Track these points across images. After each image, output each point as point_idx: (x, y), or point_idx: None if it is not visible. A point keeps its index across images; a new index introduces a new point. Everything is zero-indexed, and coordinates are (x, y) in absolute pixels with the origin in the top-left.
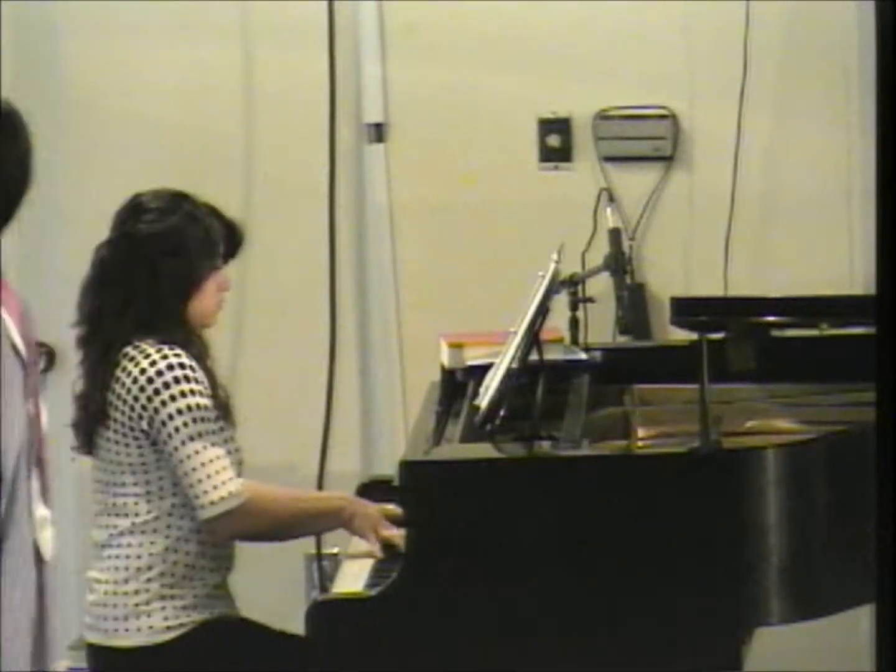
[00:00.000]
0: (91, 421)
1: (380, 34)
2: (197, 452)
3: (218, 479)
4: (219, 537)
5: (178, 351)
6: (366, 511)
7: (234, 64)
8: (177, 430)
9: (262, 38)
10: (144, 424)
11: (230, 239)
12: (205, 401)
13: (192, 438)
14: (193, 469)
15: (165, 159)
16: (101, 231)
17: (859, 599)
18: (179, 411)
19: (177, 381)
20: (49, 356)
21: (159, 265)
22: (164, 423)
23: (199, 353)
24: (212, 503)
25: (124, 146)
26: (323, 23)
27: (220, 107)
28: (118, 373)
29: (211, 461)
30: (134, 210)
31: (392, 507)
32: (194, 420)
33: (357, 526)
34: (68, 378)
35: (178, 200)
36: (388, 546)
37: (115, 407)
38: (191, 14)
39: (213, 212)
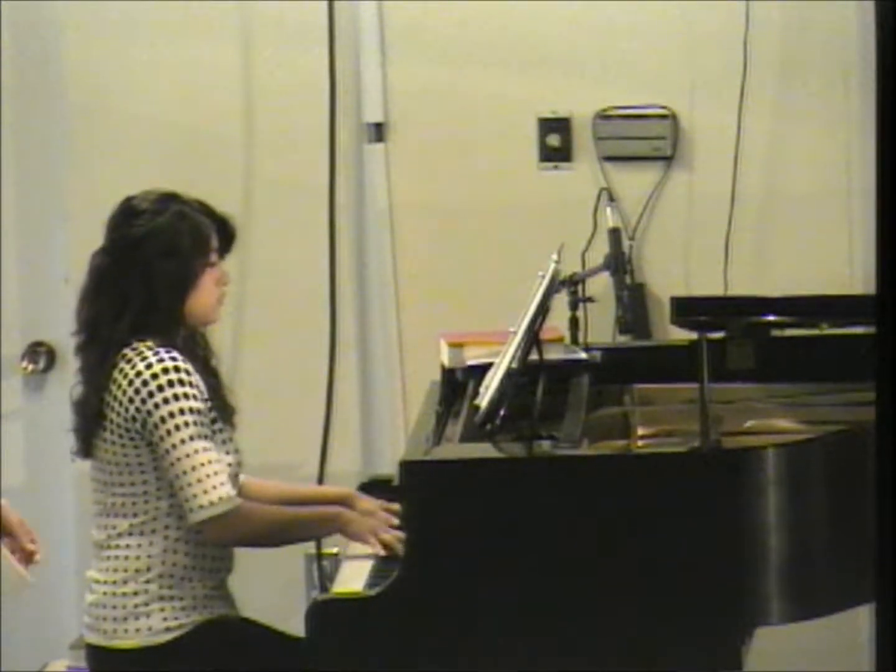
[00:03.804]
0: (89, 425)
1: (380, 34)
2: (188, 456)
3: (208, 483)
4: (208, 542)
5: (175, 354)
6: (362, 516)
7: (234, 64)
8: (169, 433)
9: (262, 38)
10: (139, 426)
11: (223, 234)
12: (198, 404)
13: (183, 442)
14: (184, 472)
15: (165, 159)
16: (102, 231)
17: (859, 599)
18: (172, 414)
19: (171, 384)
20: (49, 356)
21: (152, 267)
22: (156, 426)
23: (202, 352)
24: (201, 507)
25: (124, 146)
26: (323, 23)
27: (220, 107)
28: (115, 374)
29: (202, 465)
30: (125, 214)
31: (395, 505)
32: (186, 424)
33: (353, 531)
34: (68, 378)
35: (166, 200)
36: (387, 549)
37: (112, 408)
38: (191, 14)
39: (204, 208)
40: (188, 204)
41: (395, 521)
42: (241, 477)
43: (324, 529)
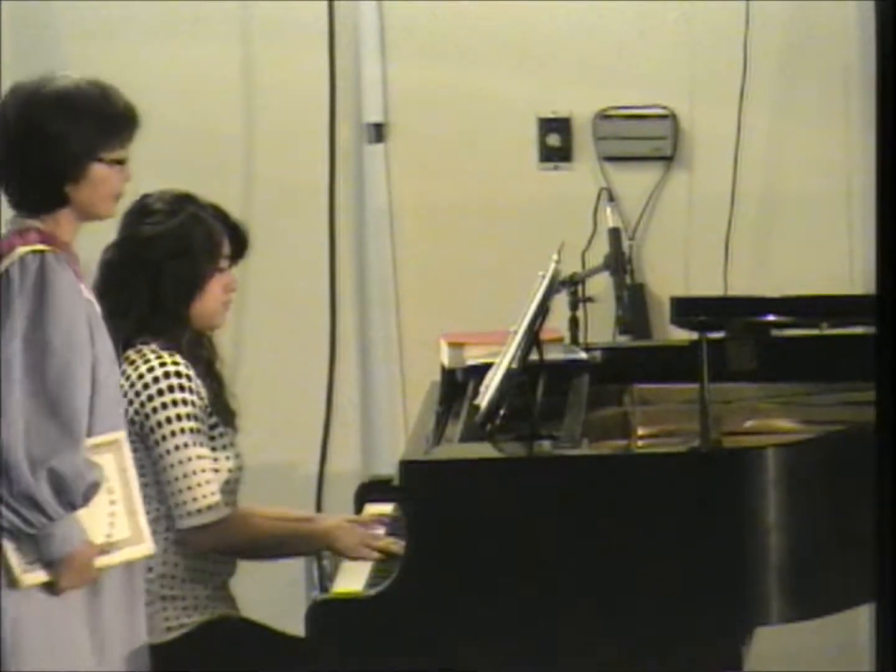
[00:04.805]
0: None
1: (380, 34)
2: (181, 462)
3: (199, 491)
4: (193, 549)
5: (177, 357)
6: (351, 531)
7: (234, 64)
8: (164, 437)
9: (262, 38)
10: (137, 429)
11: (235, 240)
12: (196, 411)
13: (178, 448)
14: (176, 478)
15: (165, 159)
16: (102, 230)
17: (859, 599)
18: (169, 420)
19: (171, 389)
20: None
21: (162, 267)
22: (153, 430)
23: (207, 355)
24: (188, 514)
25: None
26: (323, 23)
27: (220, 107)
28: None
29: (194, 472)
30: (139, 212)
31: (378, 509)
32: (182, 430)
33: (343, 548)
34: None
35: (182, 202)
36: (384, 553)
37: None
38: (191, 14)
39: (219, 212)
40: (203, 207)
41: (382, 535)
42: None
43: (312, 546)
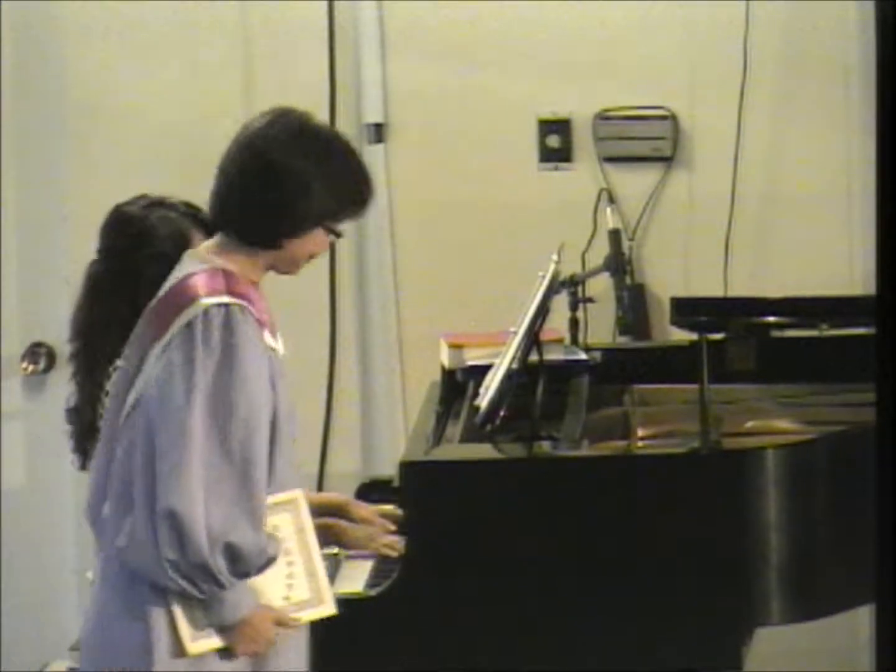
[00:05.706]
0: (84, 433)
1: (380, 34)
2: None
3: None
4: None
5: None
6: (356, 526)
7: (234, 64)
8: None
9: (262, 38)
10: None
11: (210, 234)
12: None
13: None
14: None
15: (165, 159)
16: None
17: (859, 599)
18: None
19: None
20: (49, 357)
21: (139, 274)
22: None
23: None
24: None
25: (124, 146)
26: (323, 23)
27: (220, 107)
28: (108, 385)
29: None
30: (114, 222)
31: (390, 507)
32: None
33: (349, 541)
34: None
35: (152, 206)
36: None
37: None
38: (191, 14)
39: (190, 208)
40: (173, 206)
41: (392, 527)
42: None
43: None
